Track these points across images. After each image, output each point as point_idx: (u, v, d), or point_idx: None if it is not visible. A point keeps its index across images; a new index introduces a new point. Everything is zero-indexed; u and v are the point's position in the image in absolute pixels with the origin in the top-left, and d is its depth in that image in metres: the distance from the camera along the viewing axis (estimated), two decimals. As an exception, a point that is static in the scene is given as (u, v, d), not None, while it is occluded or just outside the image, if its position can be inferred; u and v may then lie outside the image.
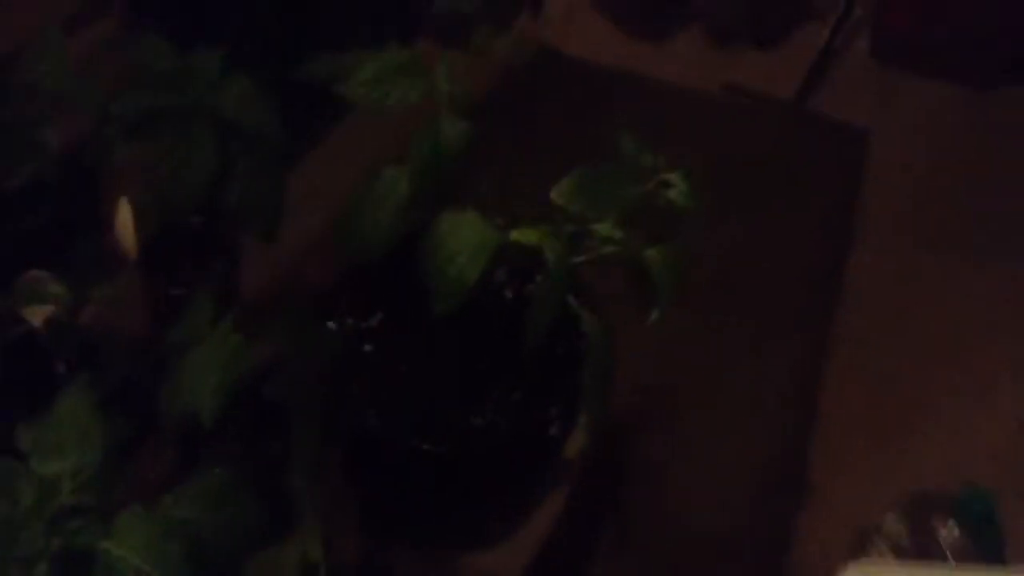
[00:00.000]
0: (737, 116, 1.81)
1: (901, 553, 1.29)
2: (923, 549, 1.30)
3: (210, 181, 0.93)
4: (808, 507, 1.34)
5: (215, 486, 0.78)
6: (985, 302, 1.59)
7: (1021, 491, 1.35)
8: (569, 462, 0.97)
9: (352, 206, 0.86)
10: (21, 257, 1.02)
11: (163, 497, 0.76)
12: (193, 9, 1.15)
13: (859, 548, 1.30)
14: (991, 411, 1.48)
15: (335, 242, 0.87)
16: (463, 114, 0.84)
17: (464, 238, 0.79)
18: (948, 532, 1.31)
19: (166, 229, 0.97)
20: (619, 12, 1.92)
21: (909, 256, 1.64)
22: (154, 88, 0.93)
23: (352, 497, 1.00)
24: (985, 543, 1.31)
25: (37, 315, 0.91)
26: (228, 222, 0.96)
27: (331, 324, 0.97)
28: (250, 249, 1.03)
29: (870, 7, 1.95)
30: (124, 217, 1.02)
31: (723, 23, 1.93)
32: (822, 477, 1.39)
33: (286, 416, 0.93)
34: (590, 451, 1.07)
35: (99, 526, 0.73)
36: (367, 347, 0.97)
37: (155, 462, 0.88)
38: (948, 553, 1.29)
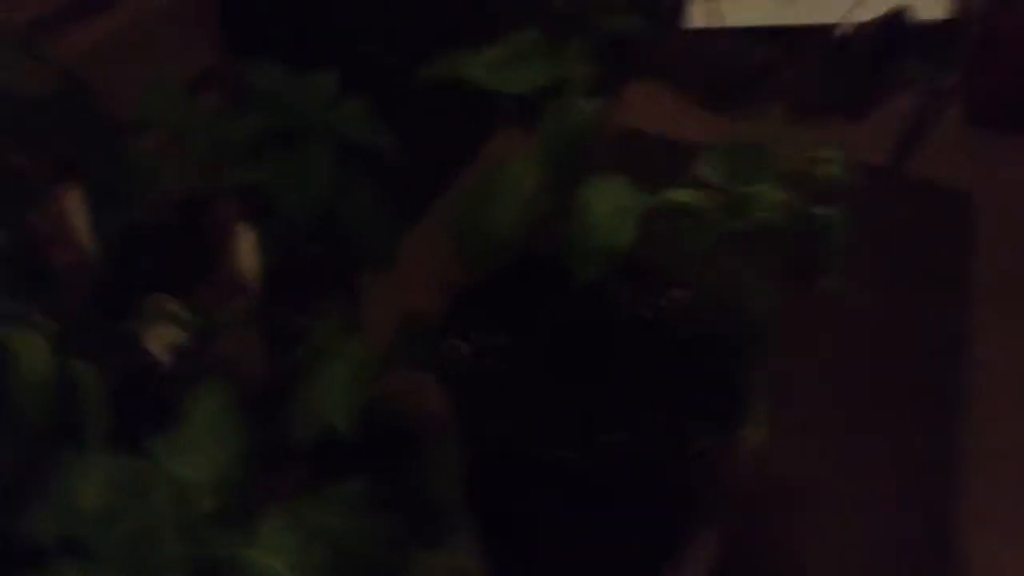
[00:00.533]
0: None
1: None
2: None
3: (328, 204, 0.91)
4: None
5: (355, 495, 0.73)
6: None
7: None
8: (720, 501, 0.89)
9: (474, 202, 0.81)
10: (142, 292, 0.99)
11: (303, 506, 0.70)
12: (294, 41, 1.15)
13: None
14: None
15: (455, 243, 0.82)
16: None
17: (611, 201, 0.74)
18: None
19: (287, 259, 0.94)
20: (701, 92, 1.91)
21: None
22: (268, 109, 0.91)
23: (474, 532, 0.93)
24: None
25: (158, 344, 0.87)
26: (347, 251, 0.92)
27: (457, 343, 0.92)
28: (373, 279, 0.98)
29: (962, 72, 1.92)
30: (243, 246, 0.99)
31: (810, 98, 1.91)
32: (982, 552, 1.28)
33: (414, 439, 0.87)
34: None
35: (241, 533, 0.67)
36: (493, 365, 0.91)
37: (282, 481, 0.82)
38: None
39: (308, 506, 0.70)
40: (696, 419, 0.89)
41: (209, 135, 0.91)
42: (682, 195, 0.76)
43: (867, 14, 1.93)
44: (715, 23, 1.90)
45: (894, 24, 1.95)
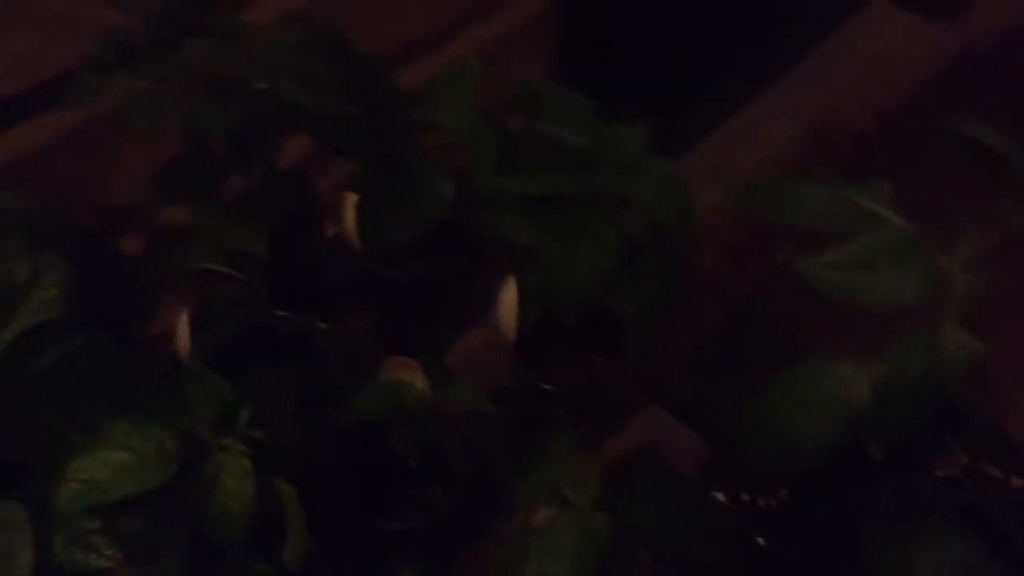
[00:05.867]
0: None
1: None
2: None
3: (604, 279, 0.77)
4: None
5: None
6: None
7: None
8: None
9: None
10: (393, 313, 0.92)
11: None
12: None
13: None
14: None
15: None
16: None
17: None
18: None
19: (549, 321, 0.82)
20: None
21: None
22: (559, 168, 0.76)
23: None
24: None
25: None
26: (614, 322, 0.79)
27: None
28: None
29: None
30: (507, 298, 0.87)
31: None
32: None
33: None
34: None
35: None
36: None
37: None
38: None
39: None
40: None
41: (491, 164, 0.77)
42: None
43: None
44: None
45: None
